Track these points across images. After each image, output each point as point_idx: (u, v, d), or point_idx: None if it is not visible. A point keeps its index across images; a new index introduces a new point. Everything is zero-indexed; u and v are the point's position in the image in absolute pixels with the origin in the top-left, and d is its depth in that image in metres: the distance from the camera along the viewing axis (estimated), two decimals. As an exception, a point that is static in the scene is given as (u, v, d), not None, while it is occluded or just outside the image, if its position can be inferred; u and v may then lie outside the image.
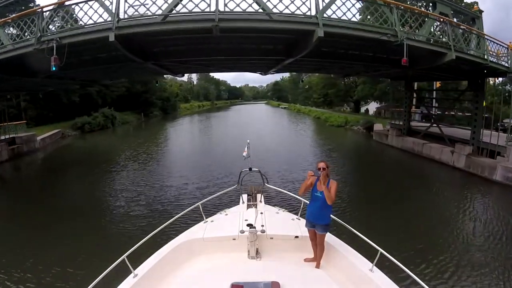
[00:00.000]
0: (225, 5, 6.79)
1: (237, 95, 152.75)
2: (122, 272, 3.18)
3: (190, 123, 45.27)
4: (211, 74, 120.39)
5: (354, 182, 13.20)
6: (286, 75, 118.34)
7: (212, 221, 4.41)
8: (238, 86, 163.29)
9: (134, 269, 3.26)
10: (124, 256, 3.21)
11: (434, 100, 25.83)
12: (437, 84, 27.95)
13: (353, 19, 8.17)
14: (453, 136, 17.08)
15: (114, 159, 16.86)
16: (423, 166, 16.15)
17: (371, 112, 48.94)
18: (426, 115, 28.07)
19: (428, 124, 21.23)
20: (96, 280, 2.92)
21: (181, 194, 10.31)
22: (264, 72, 12.78)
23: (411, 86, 21.05)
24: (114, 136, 32.13)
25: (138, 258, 3.46)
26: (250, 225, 3.83)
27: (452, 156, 15.65)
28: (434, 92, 26.97)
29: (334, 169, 14.95)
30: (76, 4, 7.57)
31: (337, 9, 7.63)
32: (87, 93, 40.09)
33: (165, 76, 68.00)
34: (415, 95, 22.95)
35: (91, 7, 7.36)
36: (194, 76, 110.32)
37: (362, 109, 52.90)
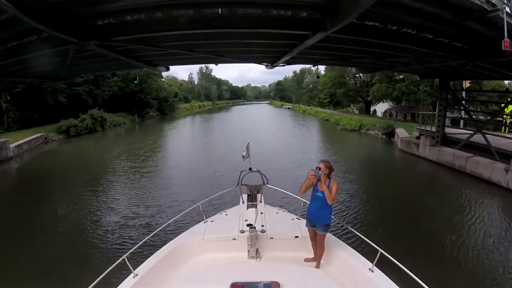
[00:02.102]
0: None
1: (239, 95, 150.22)
2: (122, 272, 3.18)
3: (186, 126, 41.60)
4: (213, 73, 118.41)
5: (387, 210, 9.77)
6: (290, 74, 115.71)
7: (212, 221, 4.37)
8: (240, 86, 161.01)
9: (134, 269, 3.24)
10: (124, 256, 3.20)
11: (463, 102, 22.09)
12: (467, 83, 24.53)
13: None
14: (502, 148, 13.58)
15: (77, 179, 13.40)
16: (468, 186, 12.58)
17: (378, 113, 45.19)
18: (454, 120, 24.51)
19: (465, 131, 17.74)
20: (96, 280, 2.91)
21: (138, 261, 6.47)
22: (271, 63, 9.30)
23: (447, 86, 17.43)
24: (99, 142, 28.89)
25: (138, 258, 3.50)
26: (250, 225, 3.78)
27: (506, 175, 12.16)
28: (464, 92, 23.34)
29: (360, 191, 11.59)
30: None
31: None
32: (75, 93, 37.05)
33: (164, 75, 65.16)
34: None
35: None
36: (195, 76, 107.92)
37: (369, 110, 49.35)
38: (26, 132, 27.97)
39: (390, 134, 23.23)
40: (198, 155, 18.81)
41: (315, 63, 9.78)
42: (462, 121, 23.09)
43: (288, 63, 9.25)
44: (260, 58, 8.87)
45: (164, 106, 54.70)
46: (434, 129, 17.68)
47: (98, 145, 27.37)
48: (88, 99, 38.78)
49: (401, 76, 30.32)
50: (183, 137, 30.25)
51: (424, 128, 18.41)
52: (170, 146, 24.03)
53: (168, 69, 12.49)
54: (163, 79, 64.29)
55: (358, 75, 41.04)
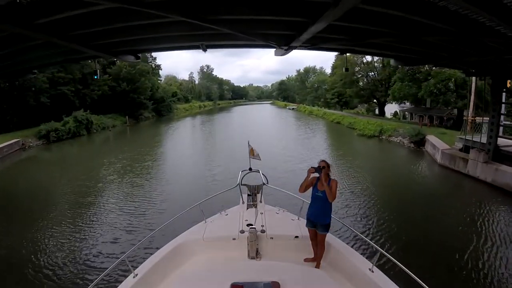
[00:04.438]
0: None
1: (241, 95, 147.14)
2: (122, 272, 3.36)
3: (181, 130, 37.46)
4: (214, 73, 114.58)
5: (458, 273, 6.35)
6: (293, 73, 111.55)
7: (212, 221, 4.34)
8: (242, 86, 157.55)
9: (134, 269, 3.23)
10: (124, 256, 3.19)
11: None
12: (508, 83, 20.72)
13: None
14: None
15: (31, 209, 10.17)
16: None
17: (387, 114, 40.98)
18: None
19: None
20: (96, 280, 2.93)
21: None
22: (287, 43, 5.62)
23: (503, 86, 13.66)
24: (78, 150, 25.40)
25: (138, 258, 3.62)
26: (250, 225, 3.79)
27: None
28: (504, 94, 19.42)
29: (405, 233, 8.14)
30: None
31: None
32: (60, 93, 33.65)
33: (163, 74, 61.43)
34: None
35: None
36: (196, 76, 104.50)
37: (377, 111, 45.13)
38: (3, 138, 24.89)
39: (420, 142, 19.39)
40: (186, 176, 14.40)
41: (356, 43, 6.06)
42: (501, 128, 19.37)
43: (312, 43, 5.61)
44: (272, 25, 5.11)
45: (160, 106, 51.19)
46: (481, 139, 13.88)
47: (75, 154, 23.91)
48: (75, 99, 35.41)
49: (417, 74, 26.63)
50: (173, 145, 25.60)
51: (471, 139, 14.54)
52: (153, 161, 18.34)
53: (138, 58, 8.79)
54: (160, 78, 61.14)
55: (372, 73, 37.26)
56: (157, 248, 3.68)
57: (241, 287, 2.63)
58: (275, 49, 7.30)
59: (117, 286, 3.04)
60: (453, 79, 23.20)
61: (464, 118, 16.78)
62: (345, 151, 20.35)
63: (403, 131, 21.77)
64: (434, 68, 21.90)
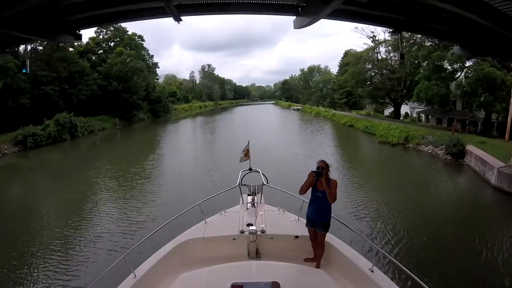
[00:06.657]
0: None
1: (243, 95, 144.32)
2: (122, 272, 3.15)
3: (177, 133, 33.95)
4: (215, 72, 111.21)
5: None
6: (295, 74, 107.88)
7: (212, 221, 4.32)
8: (244, 86, 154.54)
9: (134, 269, 3.22)
10: (123, 256, 3.21)
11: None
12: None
13: None
14: None
15: None
16: None
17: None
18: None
19: None
20: (96, 280, 2.98)
21: None
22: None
23: None
24: (57, 158, 22.45)
25: (138, 258, 3.45)
26: (250, 225, 3.79)
27: None
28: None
29: None
30: None
31: None
32: (43, 93, 30.51)
33: (162, 74, 58.38)
34: None
35: None
36: (196, 75, 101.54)
37: (386, 112, 41.79)
38: (-24, 144, 22.19)
39: (459, 154, 15.91)
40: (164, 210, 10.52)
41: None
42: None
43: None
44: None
45: (157, 107, 47.97)
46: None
47: (50, 164, 20.75)
48: (60, 100, 32.26)
49: (443, 73, 23.18)
50: (161, 157, 20.91)
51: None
52: (124, 191, 13.04)
53: (78, 37, 5.60)
54: (157, 77, 58.10)
55: (385, 71, 33.76)
56: (157, 248, 3.62)
57: (241, 287, 2.58)
58: (295, 17, 4.07)
59: (117, 286, 2.97)
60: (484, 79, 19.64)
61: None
62: (377, 167, 16.74)
63: (434, 139, 18.31)
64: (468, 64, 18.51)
